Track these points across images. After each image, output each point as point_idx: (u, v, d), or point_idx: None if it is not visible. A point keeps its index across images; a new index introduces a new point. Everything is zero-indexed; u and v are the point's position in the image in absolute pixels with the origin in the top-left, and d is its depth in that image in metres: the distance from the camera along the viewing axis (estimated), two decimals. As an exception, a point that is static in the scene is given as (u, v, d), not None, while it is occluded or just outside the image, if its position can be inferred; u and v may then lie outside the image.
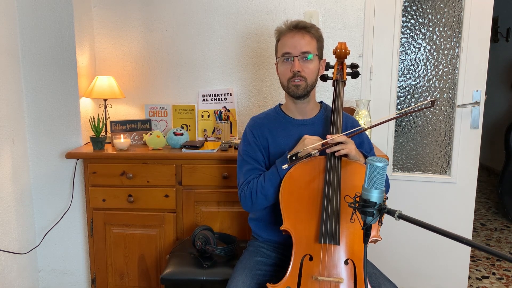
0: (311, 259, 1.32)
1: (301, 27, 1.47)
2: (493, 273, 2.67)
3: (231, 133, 2.26)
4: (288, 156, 1.33)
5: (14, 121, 2.07)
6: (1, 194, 1.96)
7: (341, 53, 1.59)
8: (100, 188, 2.01)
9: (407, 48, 2.28)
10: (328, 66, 1.64)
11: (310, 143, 1.40)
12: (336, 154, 1.37)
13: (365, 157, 1.45)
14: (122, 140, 2.03)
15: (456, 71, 2.23)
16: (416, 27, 2.26)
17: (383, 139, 2.33)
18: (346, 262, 1.31)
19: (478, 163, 2.25)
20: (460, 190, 2.28)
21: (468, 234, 2.29)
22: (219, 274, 1.63)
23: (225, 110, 2.27)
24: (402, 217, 0.93)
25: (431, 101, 1.26)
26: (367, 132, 2.06)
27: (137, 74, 2.37)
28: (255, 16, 2.28)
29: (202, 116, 2.31)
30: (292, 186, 1.40)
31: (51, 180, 2.22)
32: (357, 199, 1.02)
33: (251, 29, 2.30)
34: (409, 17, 2.25)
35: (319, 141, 1.41)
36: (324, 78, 1.65)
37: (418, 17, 2.24)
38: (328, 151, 1.37)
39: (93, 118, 2.08)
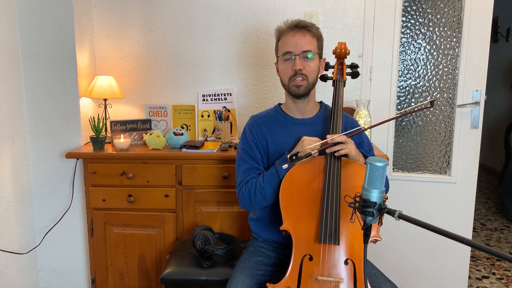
0: (311, 259, 1.32)
1: (301, 26, 1.48)
2: (493, 273, 2.67)
3: (231, 133, 2.26)
4: (288, 156, 1.34)
5: (14, 121, 2.07)
6: (1, 194, 1.96)
7: (341, 53, 1.59)
8: (100, 188, 2.01)
9: (407, 48, 2.28)
10: (328, 66, 1.64)
11: (309, 144, 1.40)
12: (336, 154, 1.37)
13: (365, 157, 1.45)
14: (122, 140, 2.03)
15: (456, 71, 2.23)
16: (416, 27, 2.26)
17: (383, 139, 2.33)
18: (346, 262, 1.31)
19: (478, 163, 2.25)
20: (460, 190, 2.28)
21: (468, 234, 2.29)
22: (219, 274, 1.63)
23: (225, 110, 2.27)
24: (402, 217, 0.93)
25: (430, 101, 1.26)
26: (367, 132, 2.06)
27: (137, 74, 2.37)
28: (255, 16, 2.28)
29: (202, 116, 2.31)
30: (292, 186, 1.40)
31: (51, 180, 2.22)
32: (357, 199, 1.02)
33: (251, 29, 2.30)
34: (409, 17, 2.25)
35: (318, 142, 1.41)
36: (324, 78, 1.66)
37: (418, 17, 2.24)
38: (328, 151, 1.38)
39: (93, 118, 2.08)
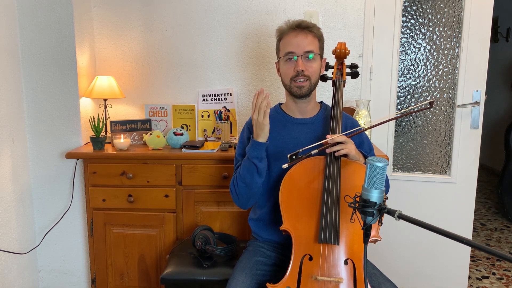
0: (310, 259, 1.32)
1: (304, 27, 1.48)
2: (493, 273, 2.67)
3: (231, 133, 2.26)
4: (288, 156, 1.33)
5: (14, 121, 2.07)
6: (1, 194, 1.96)
7: (340, 53, 1.60)
8: (100, 188, 2.01)
9: (407, 48, 2.28)
10: (327, 66, 1.64)
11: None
12: (336, 154, 1.37)
13: (365, 157, 1.45)
14: (122, 140, 2.03)
15: (456, 71, 2.23)
16: (416, 27, 2.26)
17: (383, 139, 2.33)
18: (345, 262, 1.31)
19: (478, 163, 2.25)
20: (460, 190, 2.28)
21: (468, 234, 2.29)
22: (219, 274, 1.63)
23: (225, 110, 2.27)
24: (402, 217, 0.93)
25: (430, 102, 1.26)
26: (367, 132, 2.06)
27: (137, 74, 2.37)
28: (255, 16, 2.28)
29: (202, 116, 2.31)
30: (292, 186, 1.40)
31: (51, 180, 2.22)
32: (357, 199, 1.02)
33: (251, 29, 2.30)
34: (409, 17, 2.25)
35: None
36: (324, 78, 1.65)
37: (418, 17, 2.24)
38: (328, 151, 1.38)
39: (93, 118, 2.08)
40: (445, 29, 2.22)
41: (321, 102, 1.64)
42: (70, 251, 2.29)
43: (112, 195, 2.01)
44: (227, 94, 2.30)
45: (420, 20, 2.24)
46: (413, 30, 2.26)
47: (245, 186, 1.48)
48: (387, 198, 1.04)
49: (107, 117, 2.23)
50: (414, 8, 2.24)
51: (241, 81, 2.34)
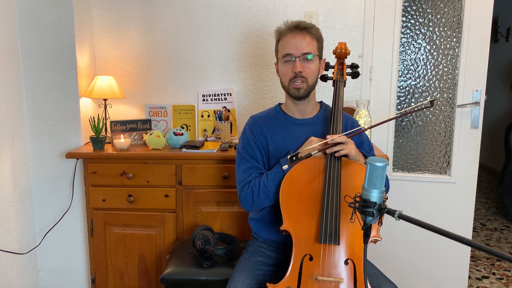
0: (311, 259, 1.32)
1: (302, 28, 1.47)
2: (493, 273, 2.67)
3: (231, 133, 2.26)
4: (288, 157, 1.33)
5: (14, 121, 2.07)
6: (1, 194, 1.96)
7: (341, 53, 1.59)
8: (100, 188, 2.01)
9: (407, 48, 2.28)
10: (328, 66, 1.64)
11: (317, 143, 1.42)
12: (336, 154, 1.37)
13: (365, 157, 1.45)
14: (122, 140, 2.03)
15: (456, 71, 2.23)
16: (416, 27, 2.26)
17: (383, 139, 2.33)
18: (346, 262, 1.31)
19: (478, 163, 2.25)
20: (460, 190, 2.28)
21: (468, 234, 2.29)
22: (219, 274, 1.63)
23: (225, 110, 2.27)
24: (402, 217, 0.93)
25: (430, 101, 1.26)
26: (367, 132, 2.06)
27: (137, 74, 2.37)
28: (255, 16, 2.28)
29: (202, 116, 2.31)
30: (292, 186, 1.40)
31: (51, 180, 2.22)
32: (357, 199, 1.02)
33: (251, 29, 2.30)
34: (409, 17, 2.25)
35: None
36: (324, 78, 1.66)
37: (418, 17, 2.24)
38: (328, 151, 1.38)
39: (93, 118, 2.08)
40: (445, 29, 2.22)
41: (321, 102, 1.64)
42: (70, 251, 2.29)
43: (112, 195, 2.01)
44: (227, 94, 2.30)
45: (420, 20, 2.24)
46: (413, 30, 2.26)
47: (266, 197, 1.46)
48: (387, 198, 1.04)
49: (107, 117, 2.23)
50: (414, 8, 2.24)
51: (241, 81, 2.34)
